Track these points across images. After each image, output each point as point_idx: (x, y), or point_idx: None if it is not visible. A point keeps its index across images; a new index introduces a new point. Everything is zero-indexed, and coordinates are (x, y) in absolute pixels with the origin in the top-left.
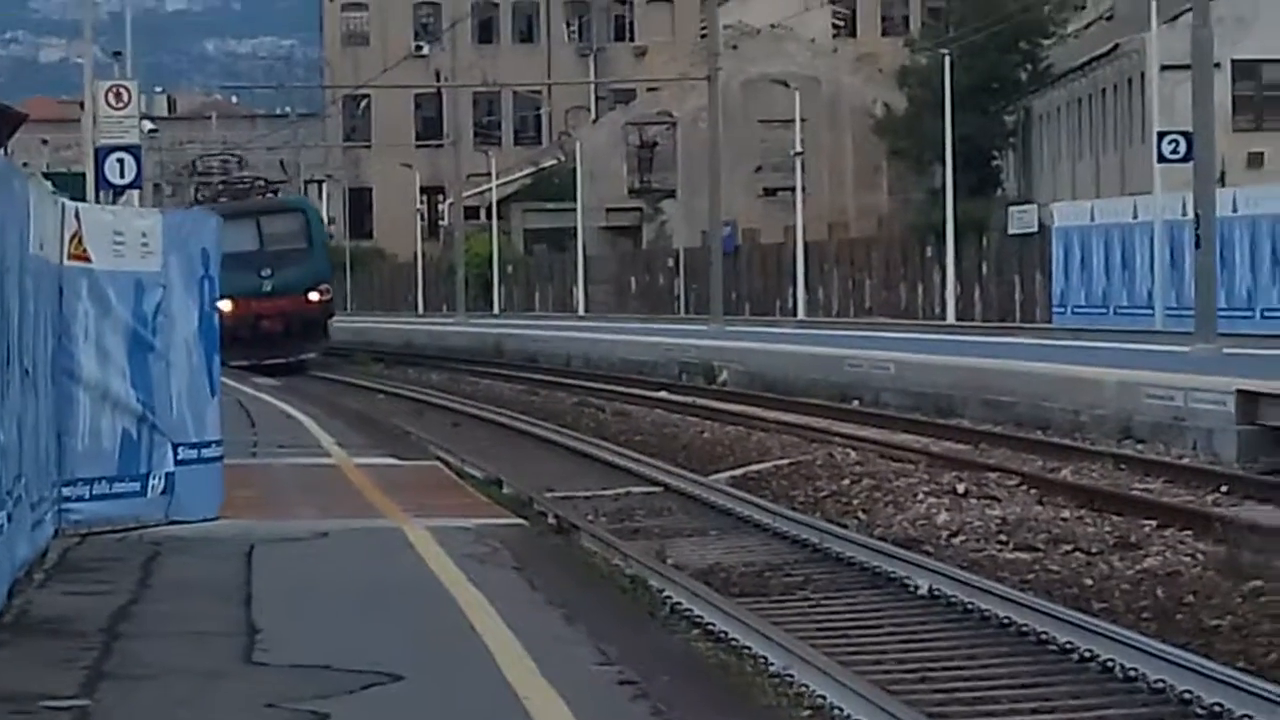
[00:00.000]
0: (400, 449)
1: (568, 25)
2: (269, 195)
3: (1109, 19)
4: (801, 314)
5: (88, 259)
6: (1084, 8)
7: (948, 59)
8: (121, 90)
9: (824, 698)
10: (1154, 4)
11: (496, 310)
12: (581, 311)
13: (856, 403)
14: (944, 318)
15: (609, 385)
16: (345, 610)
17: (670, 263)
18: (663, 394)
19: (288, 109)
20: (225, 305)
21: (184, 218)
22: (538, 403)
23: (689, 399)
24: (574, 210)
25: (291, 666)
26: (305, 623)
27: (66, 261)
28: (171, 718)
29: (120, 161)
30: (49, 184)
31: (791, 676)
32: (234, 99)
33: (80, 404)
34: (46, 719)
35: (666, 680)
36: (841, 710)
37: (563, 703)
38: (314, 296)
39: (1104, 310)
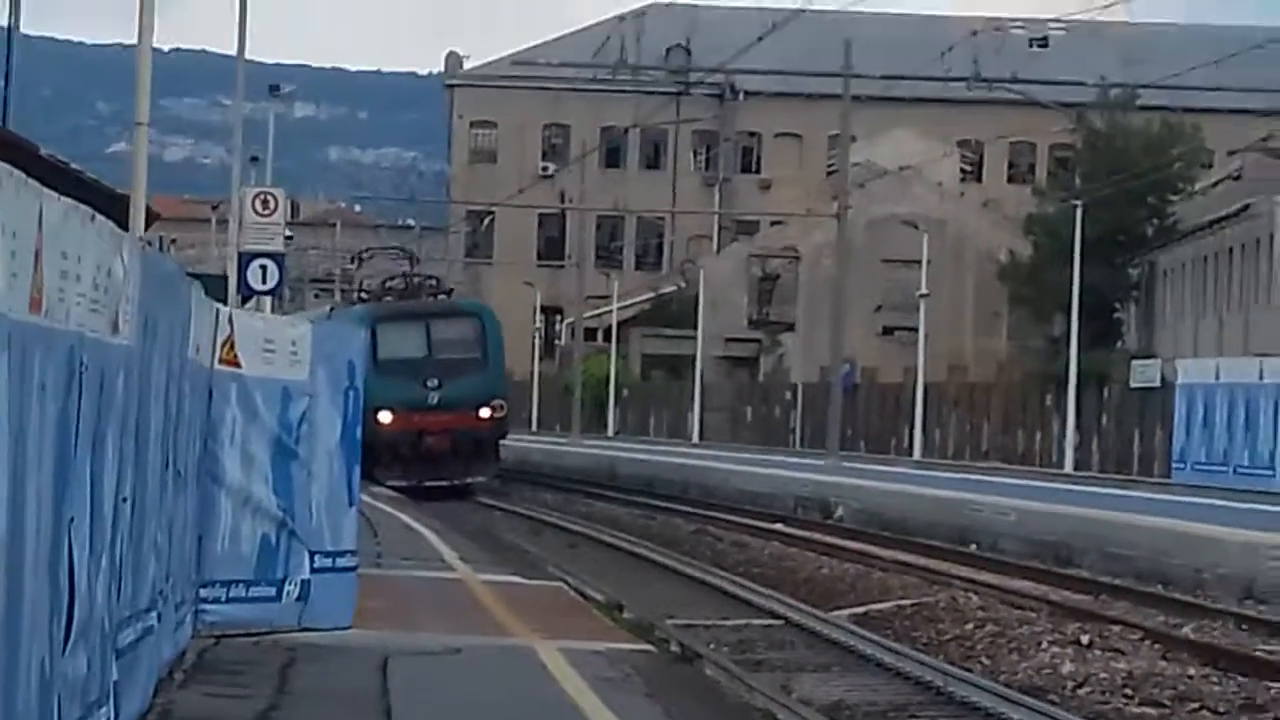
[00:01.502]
0: (522, 567)
1: (695, 154)
2: (441, 297)
3: (1237, 178)
4: (918, 454)
5: (238, 364)
6: (1210, 166)
7: (1079, 210)
8: (268, 197)
9: None
10: None
11: (610, 432)
12: (696, 439)
13: (974, 546)
14: (1061, 466)
15: (725, 514)
16: None
17: (787, 395)
18: (779, 526)
19: (410, 221)
20: (385, 417)
21: (334, 329)
22: (654, 528)
23: (806, 533)
24: (693, 338)
25: None
26: None
27: (218, 366)
28: None
29: (263, 268)
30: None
31: None
32: (357, 208)
33: (222, 507)
34: None
35: None
36: None
37: None
38: (486, 413)
39: (1224, 468)
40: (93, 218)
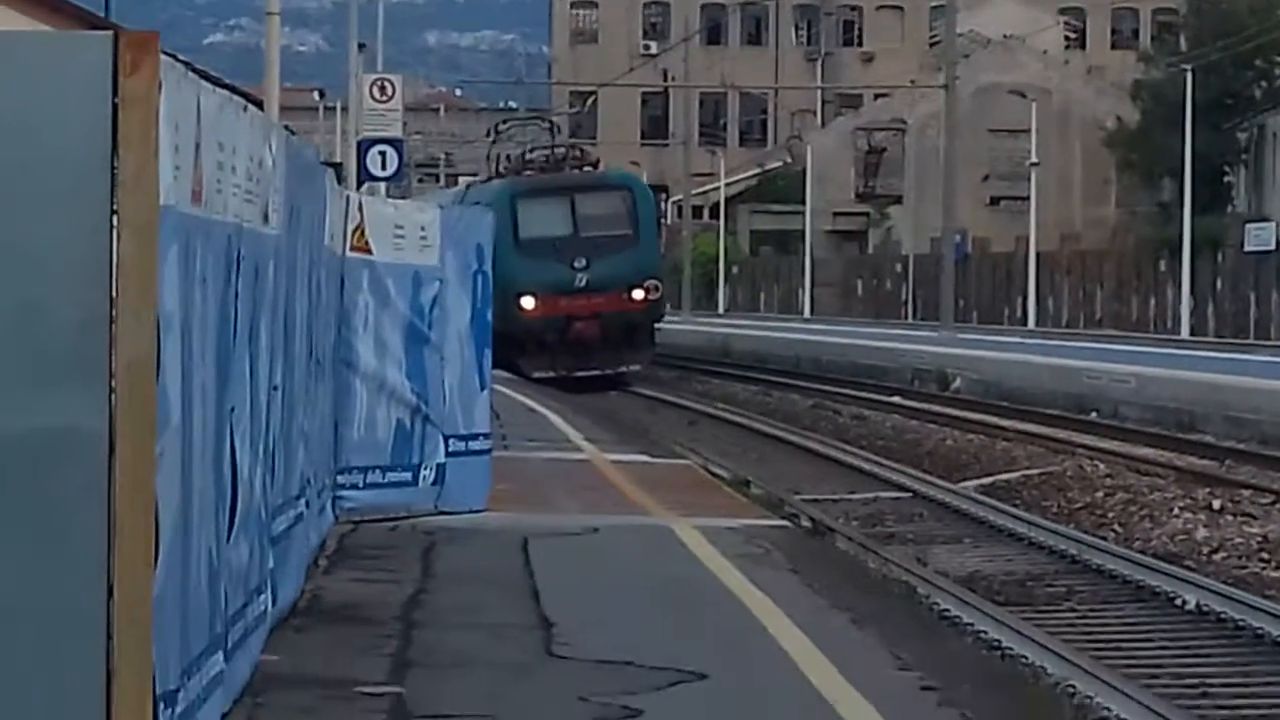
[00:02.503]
0: (647, 446)
1: (796, 29)
2: (588, 169)
3: None
4: (1032, 324)
5: (369, 251)
6: None
7: (1190, 74)
8: (386, 84)
9: (1110, 710)
10: None
11: (721, 309)
12: (807, 314)
13: (1094, 414)
14: (1178, 332)
15: (841, 389)
16: (634, 607)
17: (898, 268)
18: (896, 399)
19: (513, 104)
20: (528, 302)
21: (461, 213)
22: (772, 404)
23: (924, 405)
24: (800, 213)
25: (594, 662)
26: (597, 618)
27: (349, 253)
28: (487, 708)
29: (382, 154)
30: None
31: (1074, 688)
32: (458, 92)
33: (357, 394)
34: (365, 705)
35: (968, 688)
36: None
37: (871, 707)
38: (639, 295)
39: None
40: (245, 108)
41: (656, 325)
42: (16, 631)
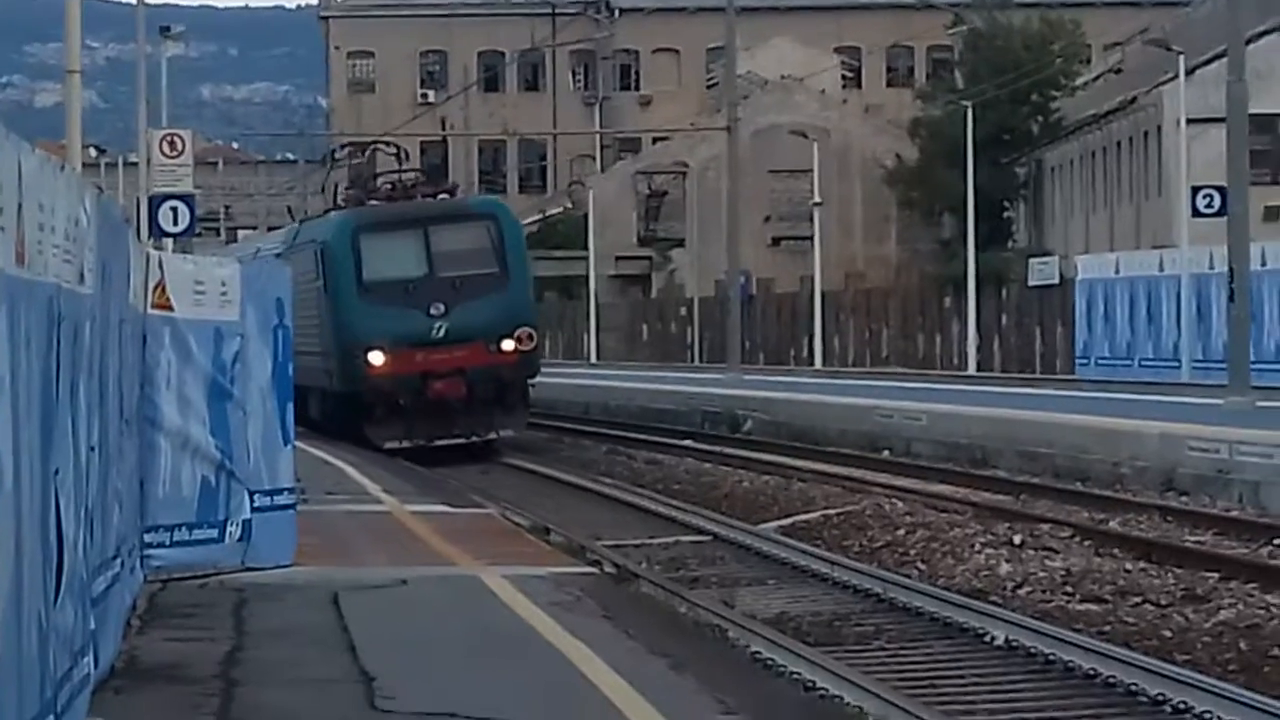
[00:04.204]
0: (446, 496)
1: (574, 74)
2: (443, 196)
3: (1118, 72)
4: (819, 363)
5: (170, 308)
6: (1089, 62)
7: (969, 111)
8: (176, 139)
9: None
10: (1181, 59)
11: None
12: (594, 359)
13: (887, 453)
14: (965, 368)
15: (633, 434)
16: (452, 658)
17: (683, 311)
18: (688, 442)
19: (291, 155)
20: (376, 358)
21: (261, 267)
22: (564, 450)
23: (717, 448)
24: (583, 258)
25: (418, 714)
26: (417, 670)
27: (150, 310)
28: None
29: (174, 210)
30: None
31: None
32: (234, 145)
33: (162, 451)
34: None
35: None
36: None
37: None
38: (509, 345)
39: (1129, 362)
40: (62, 167)
41: (531, 382)
42: None
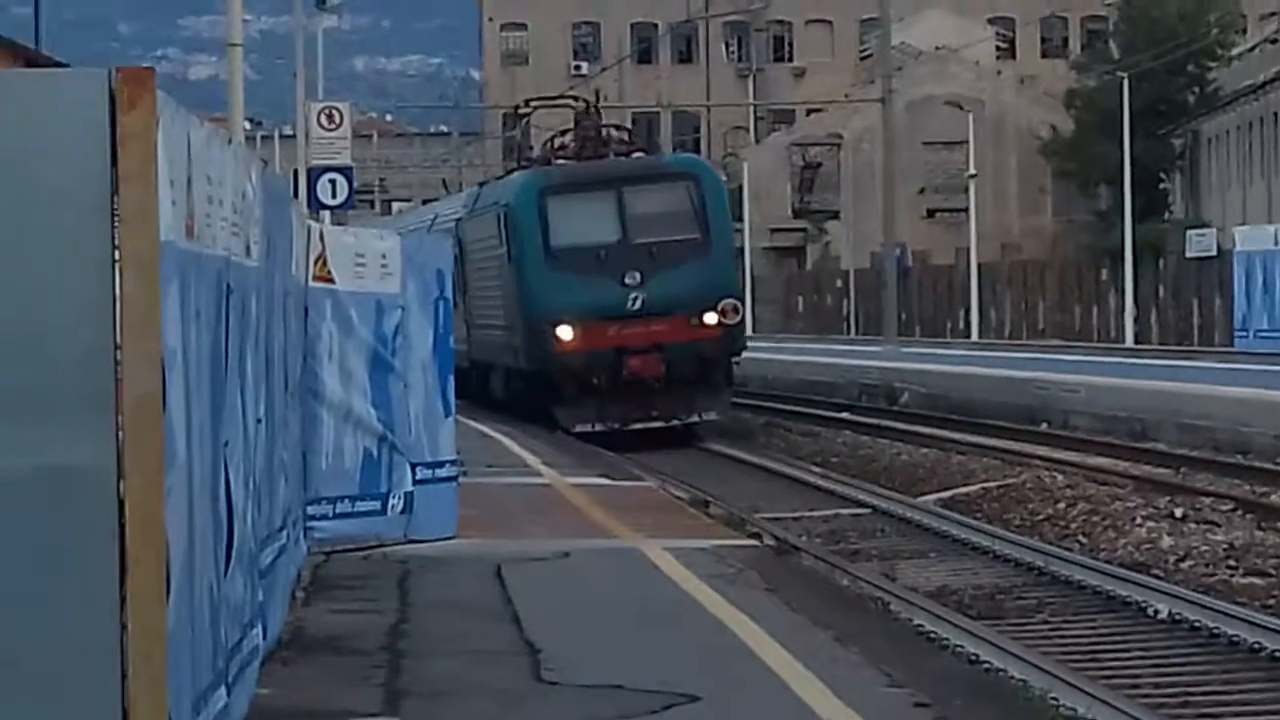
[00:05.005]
0: (605, 469)
1: (727, 46)
2: (638, 155)
3: (1274, 42)
4: (975, 335)
5: (331, 280)
6: (1245, 32)
7: (1125, 82)
8: (334, 112)
9: None
10: None
11: None
12: (750, 331)
13: (1045, 425)
14: (1121, 340)
15: (790, 406)
16: (616, 631)
17: (838, 283)
18: (845, 415)
19: (445, 127)
20: (565, 333)
21: (421, 240)
22: (723, 422)
23: (874, 420)
24: (738, 231)
25: (584, 687)
26: (581, 643)
27: (312, 282)
28: None
29: (332, 182)
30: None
31: (1055, 699)
32: (388, 117)
33: (324, 423)
34: None
35: (959, 704)
36: None
37: None
38: (712, 319)
39: None
40: (229, 141)
41: (735, 360)
42: (33, 670)
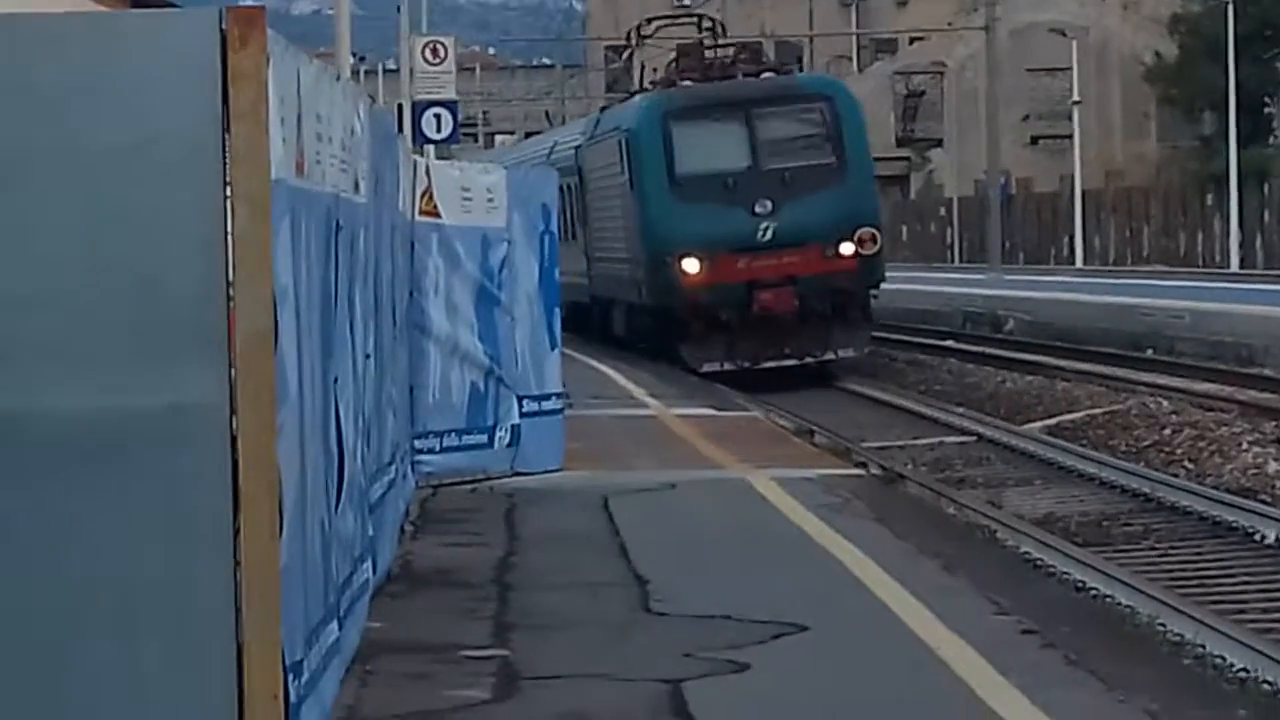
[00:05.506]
0: (713, 399)
1: None
2: (768, 75)
3: None
4: (1079, 263)
5: (437, 214)
6: None
7: (1230, 7)
8: (438, 46)
9: (1203, 647)
10: None
11: None
12: None
13: (1150, 352)
14: (1227, 266)
15: (894, 334)
16: (723, 561)
17: (942, 211)
18: (950, 342)
19: (548, 60)
20: (692, 265)
21: (526, 174)
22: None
23: (979, 348)
24: None
25: (693, 617)
26: (689, 573)
27: (418, 217)
28: (595, 667)
29: (437, 116)
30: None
31: (1163, 625)
32: (491, 50)
33: (431, 357)
34: (473, 668)
35: (1066, 630)
36: (1226, 659)
37: (975, 653)
38: (848, 249)
39: None
40: (337, 78)
41: (874, 292)
42: (149, 606)
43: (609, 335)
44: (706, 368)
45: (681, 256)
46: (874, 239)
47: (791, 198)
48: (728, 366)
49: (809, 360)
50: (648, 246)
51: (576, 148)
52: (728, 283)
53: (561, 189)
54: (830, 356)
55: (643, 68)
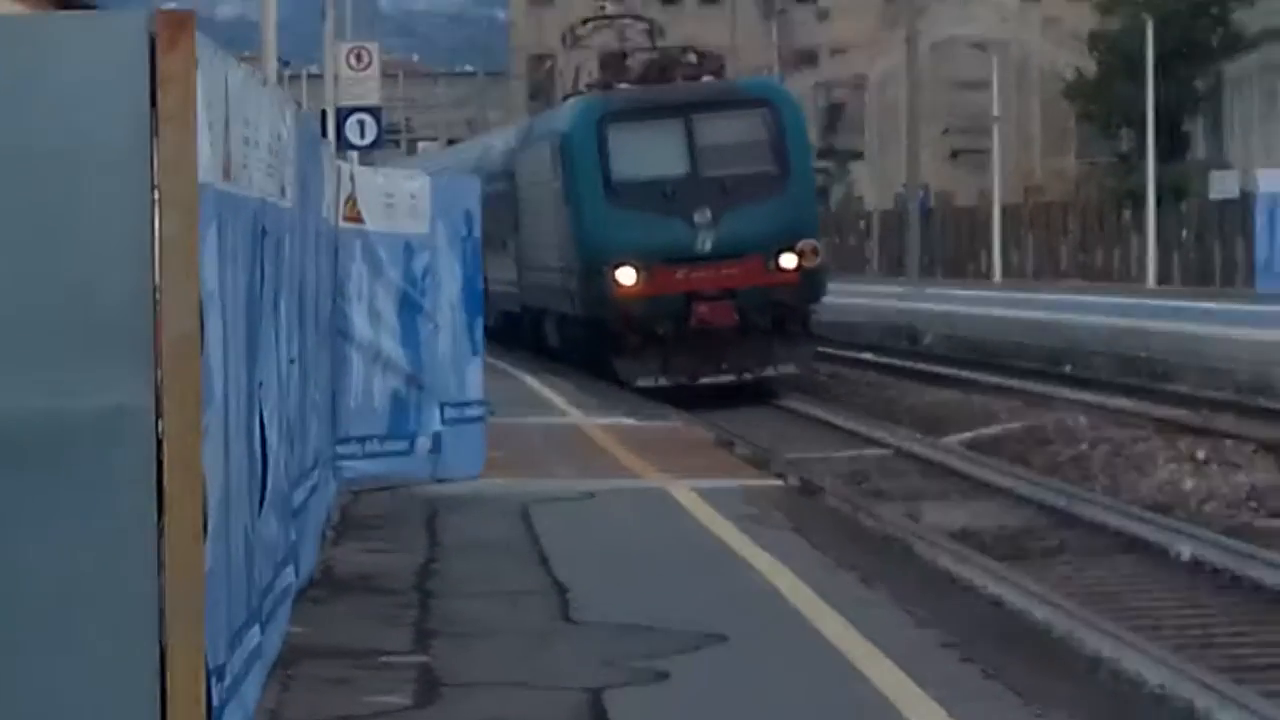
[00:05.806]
0: (632, 408)
1: None
2: (708, 78)
3: None
4: (997, 276)
5: (361, 220)
6: None
7: (1149, 25)
8: (362, 52)
9: (1119, 662)
10: None
11: None
12: None
13: (1069, 368)
14: (1143, 282)
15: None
16: (643, 570)
17: (861, 224)
18: (867, 355)
19: (470, 68)
20: (626, 276)
21: (449, 180)
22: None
23: (898, 361)
24: None
25: (613, 625)
26: (608, 582)
27: (341, 223)
28: (516, 675)
29: (361, 122)
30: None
31: (1080, 641)
32: (414, 57)
33: (353, 363)
34: (394, 674)
35: (986, 644)
36: (1141, 675)
37: (894, 665)
38: (790, 262)
39: None
40: (264, 82)
41: (814, 306)
42: (71, 609)
43: (541, 347)
44: (641, 383)
45: (616, 266)
46: (816, 251)
47: (731, 206)
48: (663, 382)
49: (747, 377)
50: (581, 255)
51: (508, 153)
52: (664, 294)
53: (492, 195)
54: (770, 373)
55: (576, 71)
